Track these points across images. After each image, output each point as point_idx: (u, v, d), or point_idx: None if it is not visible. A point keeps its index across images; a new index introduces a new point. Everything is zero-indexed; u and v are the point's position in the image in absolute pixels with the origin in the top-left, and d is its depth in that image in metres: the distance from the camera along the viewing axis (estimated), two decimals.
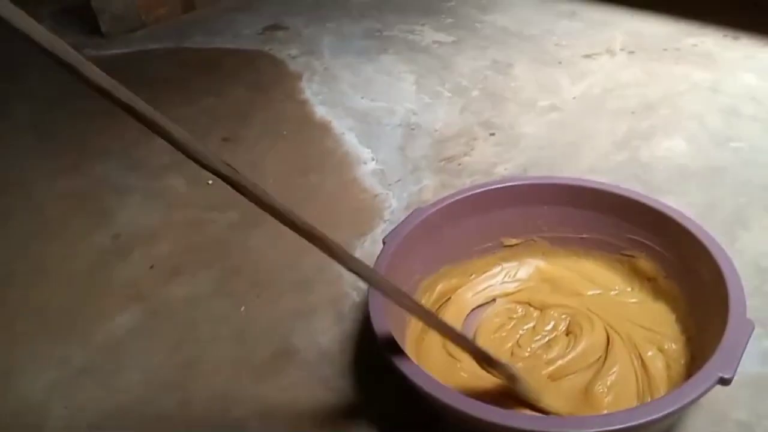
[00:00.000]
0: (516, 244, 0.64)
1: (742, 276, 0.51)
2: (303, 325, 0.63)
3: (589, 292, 0.60)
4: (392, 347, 0.46)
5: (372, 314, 0.49)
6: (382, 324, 0.48)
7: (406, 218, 0.59)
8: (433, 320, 0.46)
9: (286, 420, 0.55)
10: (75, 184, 0.91)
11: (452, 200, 0.60)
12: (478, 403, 0.42)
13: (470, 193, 0.61)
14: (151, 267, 0.74)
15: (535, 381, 0.50)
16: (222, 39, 1.36)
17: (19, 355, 0.64)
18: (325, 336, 0.62)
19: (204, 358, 0.61)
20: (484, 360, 0.47)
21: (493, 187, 0.62)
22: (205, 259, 0.74)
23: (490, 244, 0.64)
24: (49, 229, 0.82)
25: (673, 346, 0.53)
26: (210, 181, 0.87)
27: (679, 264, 0.55)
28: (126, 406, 0.57)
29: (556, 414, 0.49)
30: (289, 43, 1.29)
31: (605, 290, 0.60)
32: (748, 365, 0.53)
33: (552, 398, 0.50)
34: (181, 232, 0.79)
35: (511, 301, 0.61)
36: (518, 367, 0.50)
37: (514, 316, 0.59)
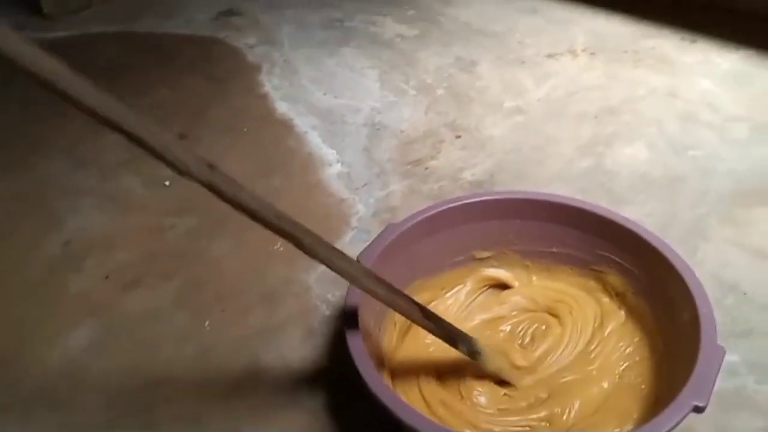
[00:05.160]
0: (487, 257, 0.64)
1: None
2: (272, 342, 0.62)
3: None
4: (369, 373, 0.45)
5: (349, 341, 0.47)
6: (360, 354, 0.47)
7: (379, 235, 0.57)
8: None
9: None
10: (18, 185, 0.86)
11: (424, 216, 0.59)
12: None
13: (442, 208, 0.60)
14: (106, 278, 0.70)
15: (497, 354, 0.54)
16: (174, 23, 1.30)
17: None
18: (296, 353, 0.60)
19: (168, 379, 0.59)
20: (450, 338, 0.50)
21: (465, 201, 0.61)
22: (165, 270, 0.71)
23: (461, 258, 0.63)
24: None
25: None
26: (167, 182, 0.83)
27: (647, 281, 0.56)
28: None
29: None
30: (246, 31, 1.25)
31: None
32: None
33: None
34: (138, 239, 0.75)
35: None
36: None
37: None
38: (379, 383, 0.45)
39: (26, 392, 0.58)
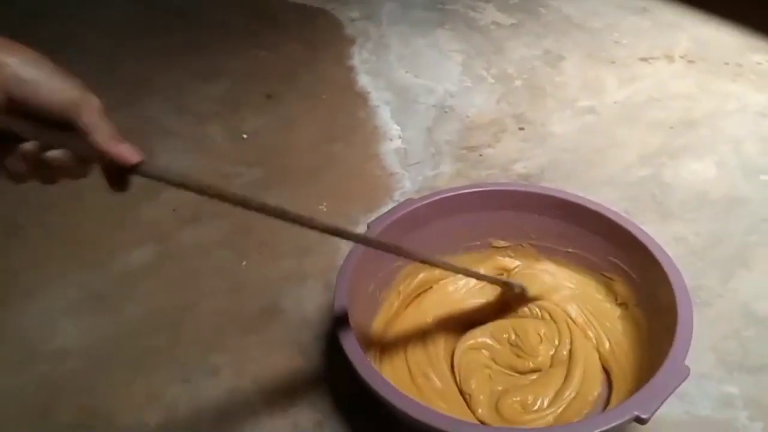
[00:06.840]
0: (504, 247, 0.66)
1: (728, 316, 0.51)
2: (293, 289, 0.68)
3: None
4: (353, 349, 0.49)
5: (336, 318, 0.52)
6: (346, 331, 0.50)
7: (395, 207, 0.62)
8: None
9: (254, 373, 0.60)
10: (125, 121, 0.98)
11: (443, 195, 0.62)
12: (430, 409, 0.45)
13: (463, 191, 0.63)
14: (174, 210, 0.80)
15: None
16: None
17: (47, 273, 0.72)
18: (311, 303, 0.67)
19: (199, 305, 0.67)
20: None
21: (487, 188, 0.63)
22: (222, 211, 0.78)
23: (478, 243, 0.66)
24: None
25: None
26: (245, 135, 0.92)
27: (647, 294, 0.56)
28: (123, 335, 0.65)
29: None
30: (352, 4, 1.31)
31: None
32: (701, 408, 0.54)
33: None
34: (209, 181, 0.84)
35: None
36: None
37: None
38: (359, 356, 0.48)
39: (91, 294, 0.69)
